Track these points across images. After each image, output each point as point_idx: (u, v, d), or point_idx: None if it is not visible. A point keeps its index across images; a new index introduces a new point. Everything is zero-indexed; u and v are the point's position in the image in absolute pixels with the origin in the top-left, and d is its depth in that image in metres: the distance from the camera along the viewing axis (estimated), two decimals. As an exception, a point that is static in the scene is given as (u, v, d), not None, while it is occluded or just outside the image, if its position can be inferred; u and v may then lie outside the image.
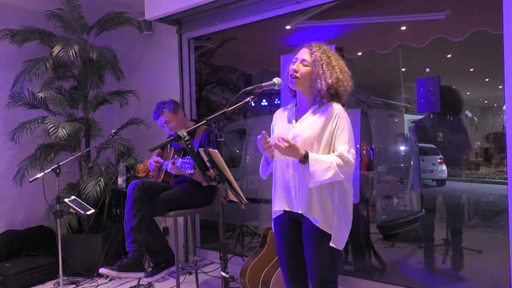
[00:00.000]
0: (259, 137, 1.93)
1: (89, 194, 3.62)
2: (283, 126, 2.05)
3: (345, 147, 1.88)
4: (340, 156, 1.86)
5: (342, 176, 1.85)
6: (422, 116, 3.61)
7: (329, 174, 1.82)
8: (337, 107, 1.94)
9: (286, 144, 1.80)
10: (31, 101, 3.98)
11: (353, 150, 1.90)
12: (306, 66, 1.96)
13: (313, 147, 1.90)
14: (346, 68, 2.01)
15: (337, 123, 1.91)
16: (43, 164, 3.87)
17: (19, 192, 3.97)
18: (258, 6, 3.58)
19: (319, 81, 1.92)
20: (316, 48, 1.98)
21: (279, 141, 1.81)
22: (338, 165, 1.84)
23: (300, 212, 1.95)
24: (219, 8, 3.71)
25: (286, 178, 1.99)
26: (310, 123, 1.95)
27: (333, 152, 1.90)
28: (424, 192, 3.83)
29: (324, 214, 1.91)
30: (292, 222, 2.02)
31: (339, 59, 2.00)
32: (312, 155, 1.84)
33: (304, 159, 1.84)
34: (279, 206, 2.07)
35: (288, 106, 2.12)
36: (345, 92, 1.98)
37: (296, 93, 2.08)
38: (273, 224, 2.15)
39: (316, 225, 1.91)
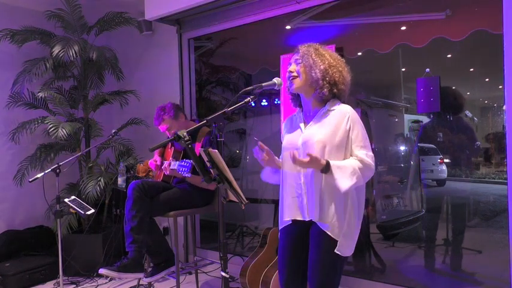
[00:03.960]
0: (255, 148, 1.93)
1: (89, 194, 3.63)
2: (292, 132, 2.04)
3: (362, 151, 1.87)
4: (361, 161, 1.85)
5: (364, 179, 1.85)
6: (428, 120, 3.60)
7: (354, 180, 1.80)
8: (348, 109, 1.92)
9: (308, 159, 1.76)
10: (31, 101, 3.98)
11: (371, 153, 1.89)
12: (300, 63, 1.96)
13: (325, 150, 1.86)
14: (338, 56, 1.99)
15: (350, 126, 1.89)
16: (43, 164, 3.87)
17: (19, 192, 3.98)
18: (258, 6, 3.58)
19: (313, 71, 1.91)
20: (302, 46, 2.00)
21: (297, 156, 1.78)
22: (360, 169, 1.82)
23: (310, 219, 1.91)
24: (219, 8, 3.71)
25: (296, 185, 1.96)
26: (320, 125, 1.92)
27: (350, 155, 1.89)
28: (424, 192, 3.83)
29: (334, 220, 1.88)
30: (300, 230, 1.99)
31: (327, 50, 1.99)
32: (333, 164, 1.80)
33: (326, 168, 1.80)
34: (289, 215, 2.01)
35: (295, 113, 2.10)
36: (343, 80, 1.94)
37: (301, 101, 2.06)
38: (279, 232, 2.10)
39: (325, 230, 1.88)
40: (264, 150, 1.97)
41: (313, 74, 1.91)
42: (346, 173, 1.81)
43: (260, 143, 1.94)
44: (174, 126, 3.08)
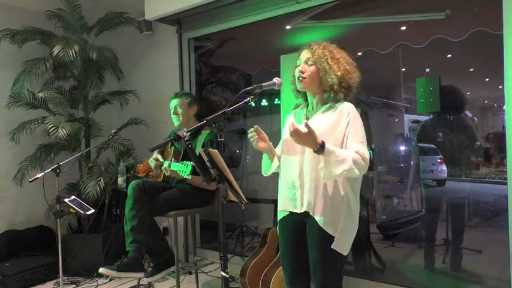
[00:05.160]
0: (250, 129, 1.95)
1: (89, 194, 3.63)
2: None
3: (358, 145, 1.86)
4: (356, 152, 1.83)
5: (356, 171, 1.80)
6: (428, 118, 3.61)
7: (344, 167, 1.77)
8: (349, 107, 1.93)
9: (306, 130, 1.74)
10: (31, 101, 3.98)
11: (366, 150, 1.88)
12: (311, 65, 1.96)
13: None
14: (350, 59, 2.01)
15: (349, 122, 1.89)
16: (43, 164, 3.87)
17: (19, 192, 3.98)
18: (258, 6, 3.58)
19: (328, 76, 1.92)
20: (316, 46, 1.98)
21: (294, 127, 1.75)
22: (353, 160, 1.80)
23: (304, 211, 1.92)
24: (219, 8, 3.71)
25: (292, 177, 1.97)
26: (321, 121, 1.93)
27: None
28: (424, 192, 3.83)
29: (330, 215, 1.88)
30: (298, 224, 2.00)
31: (340, 51, 2.00)
32: (328, 145, 1.77)
33: (321, 148, 1.77)
34: (283, 206, 2.05)
35: (299, 108, 2.12)
36: (356, 83, 1.97)
37: (306, 96, 2.07)
38: (278, 225, 2.12)
39: (320, 225, 1.88)
40: (257, 132, 1.98)
41: (329, 80, 1.92)
42: (338, 159, 1.78)
43: (256, 126, 1.95)
44: (183, 109, 3.12)
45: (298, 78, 1.98)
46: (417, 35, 3.08)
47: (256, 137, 1.98)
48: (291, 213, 2.01)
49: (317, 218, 1.89)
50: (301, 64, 1.99)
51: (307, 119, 2.01)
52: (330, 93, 1.94)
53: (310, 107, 2.06)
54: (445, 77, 3.24)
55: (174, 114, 3.16)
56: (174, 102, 3.16)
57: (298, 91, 2.07)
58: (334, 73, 1.91)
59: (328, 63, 1.93)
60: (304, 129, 1.74)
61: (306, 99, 2.08)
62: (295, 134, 1.76)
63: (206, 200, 3.13)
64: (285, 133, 2.05)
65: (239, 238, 4.45)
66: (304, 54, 2.00)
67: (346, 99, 1.98)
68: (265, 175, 2.14)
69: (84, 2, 3.95)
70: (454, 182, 3.66)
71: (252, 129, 1.97)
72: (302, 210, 1.94)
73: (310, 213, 1.91)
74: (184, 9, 3.65)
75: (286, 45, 3.84)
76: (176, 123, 3.18)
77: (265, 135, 2.02)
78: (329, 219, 1.88)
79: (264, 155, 2.11)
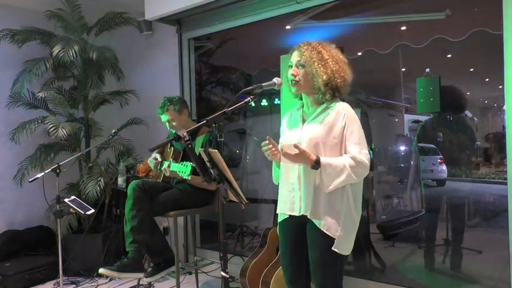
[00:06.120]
0: (264, 142, 1.91)
1: (89, 194, 3.63)
2: (291, 130, 2.05)
3: (356, 148, 1.85)
4: (353, 158, 1.83)
5: (355, 177, 1.82)
6: (428, 118, 3.61)
7: (343, 177, 1.81)
8: (345, 107, 1.92)
9: (296, 151, 1.77)
10: (31, 101, 3.98)
11: (365, 151, 1.87)
12: (302, 67, 1.95)
13: (319, 148, 1.87)
14: (340, 57, 1.98)
15: (345, 124, 1.88)
16: (43, 164, 3.87)
17: (19, 192, 3.98)
18: (258, 6, 3.58)
19: (315, 79, 1.91)
20: (305, 47, 1.96)
21: (287, 149, 1.78)
22: (351, 167, 1.81)
23: (304, 214, 1.92)
24: (219, 8, 3.71)
25: (291, 180, 1.97)
26: (317, 124, 1.93)
27: (344, 153, 1.88)
28: (424, 192, 3.83)
29: (329, 217, 1.87)
30: (297, 225, 1.99)
31: (331, 50, 1.97)
32: (323, 160, 1.81)
33: (316, 164, 1.81)
34: (282, 209, 2.04)
35: (296, 108, 2.11)
36: (345, 83, 1.94)
37: (301, 96, 2.07)
38: (278, 226, 2.12)
39: (320, 228, 1.88)
40: (270, 144, 1.95)
41: (316, 83, 1.92)
42: (336, 170, 1.81)
43: (269, 137, 1.92)
44: (175, 120, 3.09)
45: (291, 81, 1.98)
46: (417, 35, 3.08)
47: (274, 149, 1.94)
48: (291, 216, 2.01)
49: (317, 221, 1.89)
50: (292, 66, 1.99)
51: (304, 121, 2.01)
52: (319, 94, 1.94)
53: (305, 107, 2.05)
54: (445, 77, 3.24)
55: (171, 128, 3.14)
56: (164, 118, 3.11)
57: (295, 94, 2.08)
58: (320, 76, 1.90)
59: (315, 66, 1.91)
60: (294, 151, 1.77)
61: (302, 99, 2.08)
62: (287, 156, 1.79)
63: (206, 200, 3.13)
64: (283, 138, 2.06)
65: (239, 238, 4.45)
66: (295, 56, 1.99)
67: (341, 99, 1.97)
68: (277, 183, 2.13)
69: (84, 2, 3.95)
70: (454, 182, 3.66)
71: (266, 141, 1.92)
72: (301, 214, 1.93)
73: (309, 216, 1.91)
74: (184, 9, 3.65)
75: (286, 45, 3.82)
76: (174, 131, 3.17)
77: (277, 146, 2.00)
78: (329, 221, 1.88)
79: (274, 164, 2.10)
